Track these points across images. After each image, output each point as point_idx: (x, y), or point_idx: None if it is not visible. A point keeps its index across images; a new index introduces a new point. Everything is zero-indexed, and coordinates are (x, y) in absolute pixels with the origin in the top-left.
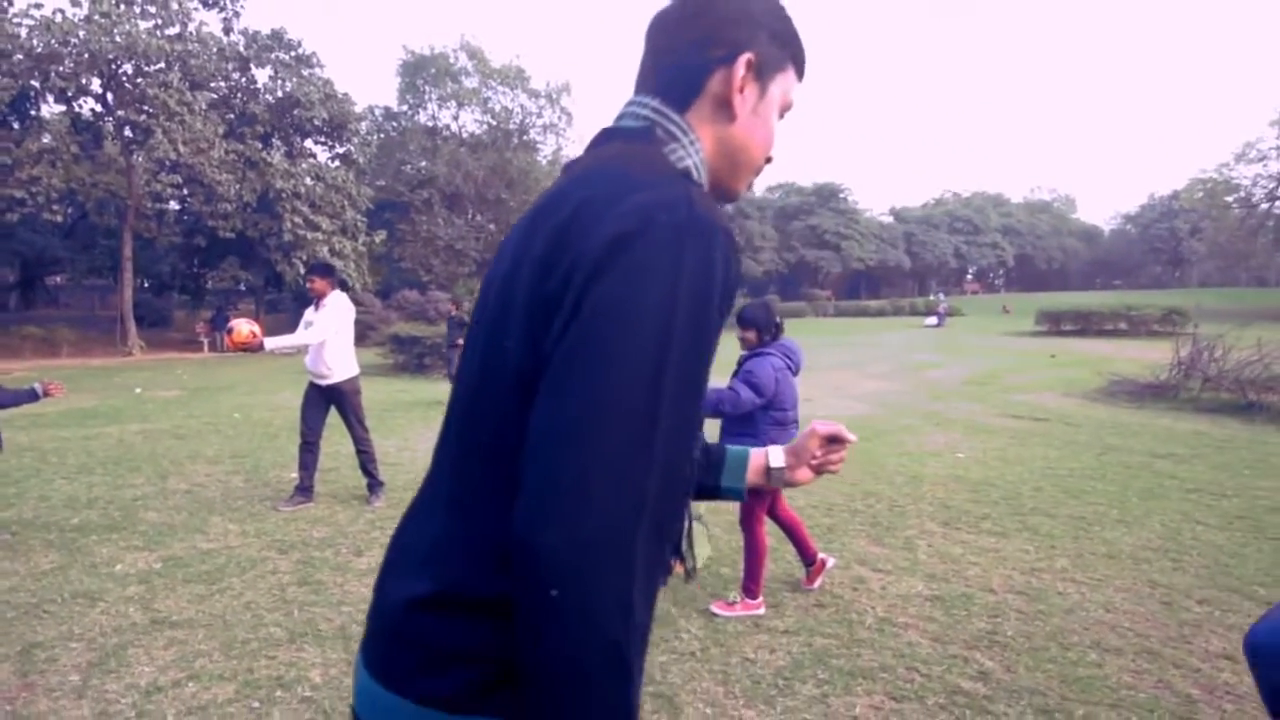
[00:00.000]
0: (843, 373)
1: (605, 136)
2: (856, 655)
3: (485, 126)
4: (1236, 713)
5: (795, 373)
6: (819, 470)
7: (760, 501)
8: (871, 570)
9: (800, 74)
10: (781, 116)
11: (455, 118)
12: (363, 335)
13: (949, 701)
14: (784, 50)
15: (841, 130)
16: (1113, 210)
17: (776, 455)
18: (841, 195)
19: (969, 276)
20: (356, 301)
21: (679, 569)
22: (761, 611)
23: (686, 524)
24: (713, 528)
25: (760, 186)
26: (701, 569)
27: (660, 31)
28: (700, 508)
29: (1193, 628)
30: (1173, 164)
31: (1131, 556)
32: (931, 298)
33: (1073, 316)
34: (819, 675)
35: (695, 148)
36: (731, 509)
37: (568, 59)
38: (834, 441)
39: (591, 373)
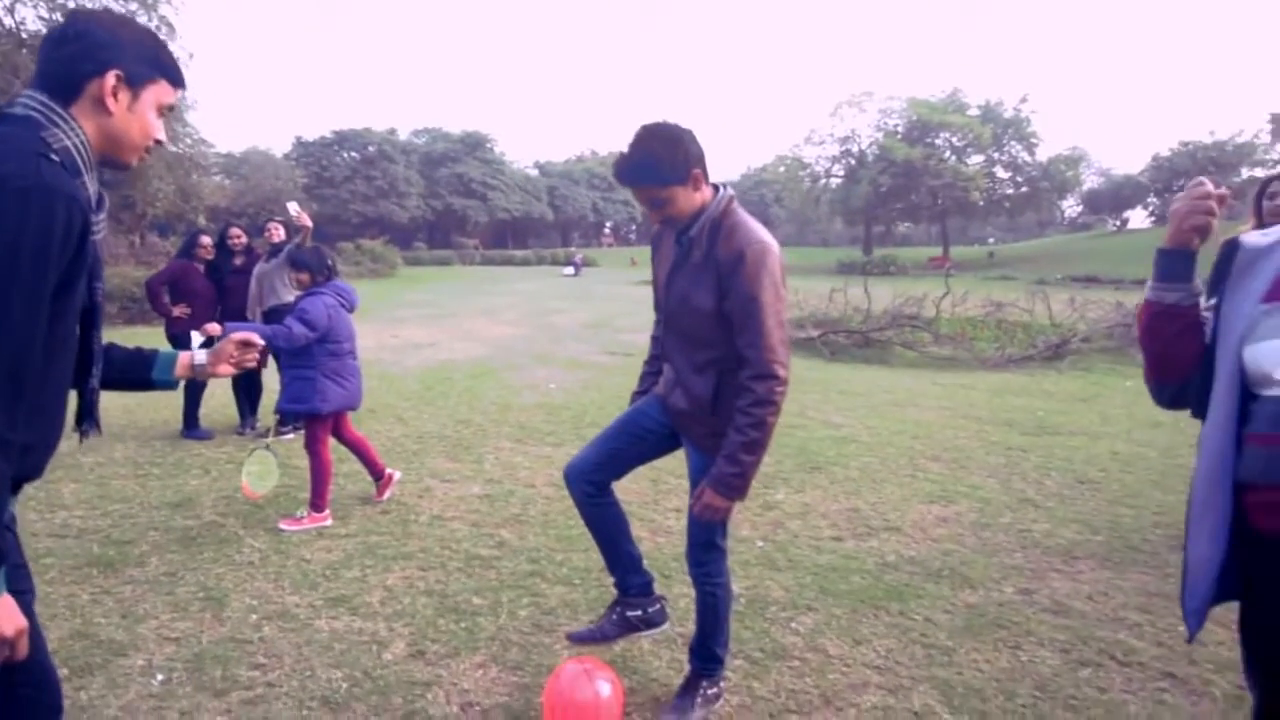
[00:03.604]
0: (475, 320)
1: None
2: (404, 544)
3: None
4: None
5: (350, 310)
6: (238, 366)
7: (323, 426)
8: (440, 481)
9: (174, 84)
10: (162, 114)
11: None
12: None
13: (465, 565)
14: (152, 68)
15: (489, 80)
16: (720, 177)
17: (200, 355)
18: (488, 145)
19: (606, 230)
20: None
21: (248, 492)
22: (328, 523)
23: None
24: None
25: (405, 130)
26: (271, 496)
27: (52, 45)
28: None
29: (664, 492)
30: (765, 141)
31: None
32: (571, 249)
33: None
34: (366, 563)
35: (76, 133)
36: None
37: None
38: (247, 345)
39: None
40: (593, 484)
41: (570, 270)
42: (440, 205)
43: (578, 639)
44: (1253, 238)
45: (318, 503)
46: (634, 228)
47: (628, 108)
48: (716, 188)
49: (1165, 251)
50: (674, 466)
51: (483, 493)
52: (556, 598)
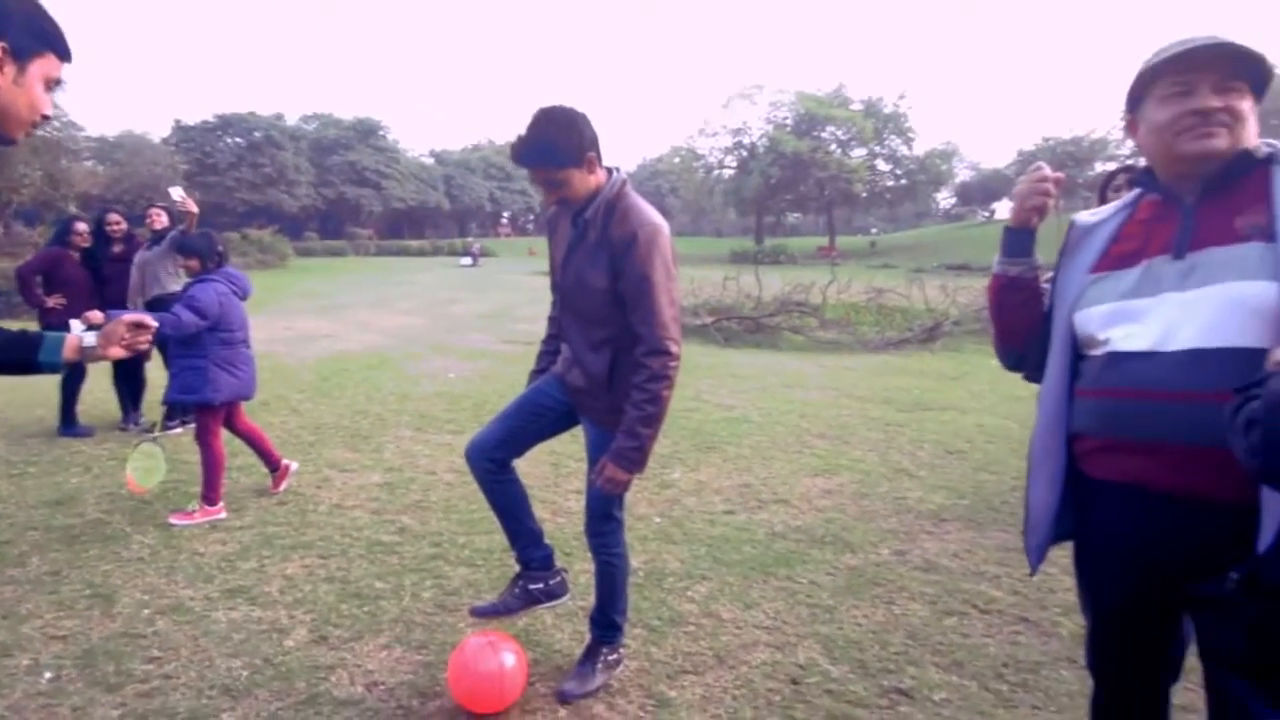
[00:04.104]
0: (371, 311)
1: None
2: (302, 534)
3: None
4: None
5: (243, 298)
6: (129, 348)
7: (215, 417)
8: (339, 471)
9: (62, 57)
10: (50, 88)
11: None
12: None
13: (367, 551)
14: (39, 40)
15: (382, 66)
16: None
17: (89, 337)
18: (381, 133)
19: (503, 220)
20: None
21: (134, 486)
22: (222, 516)
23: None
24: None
25: (294, 115)
26: (159, 491)
27: None
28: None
29: (565, 475)
30: (661, 133)
31: None
32: (469, 239)
33: None
34: (263, 553)
35: None
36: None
37: None
38: (140, 327)
39: None
40: (493, 461)
41: (468, 261)
42: (332, 194)
43: (481, 613)
44: (1084, 217)
45: (210, 495)
46: (532, 218)
47: (525, 97)
48: (610, 171)
49: (1010, 229)
50: (574, 451)
51: (383, 481)
52: (460, 579)
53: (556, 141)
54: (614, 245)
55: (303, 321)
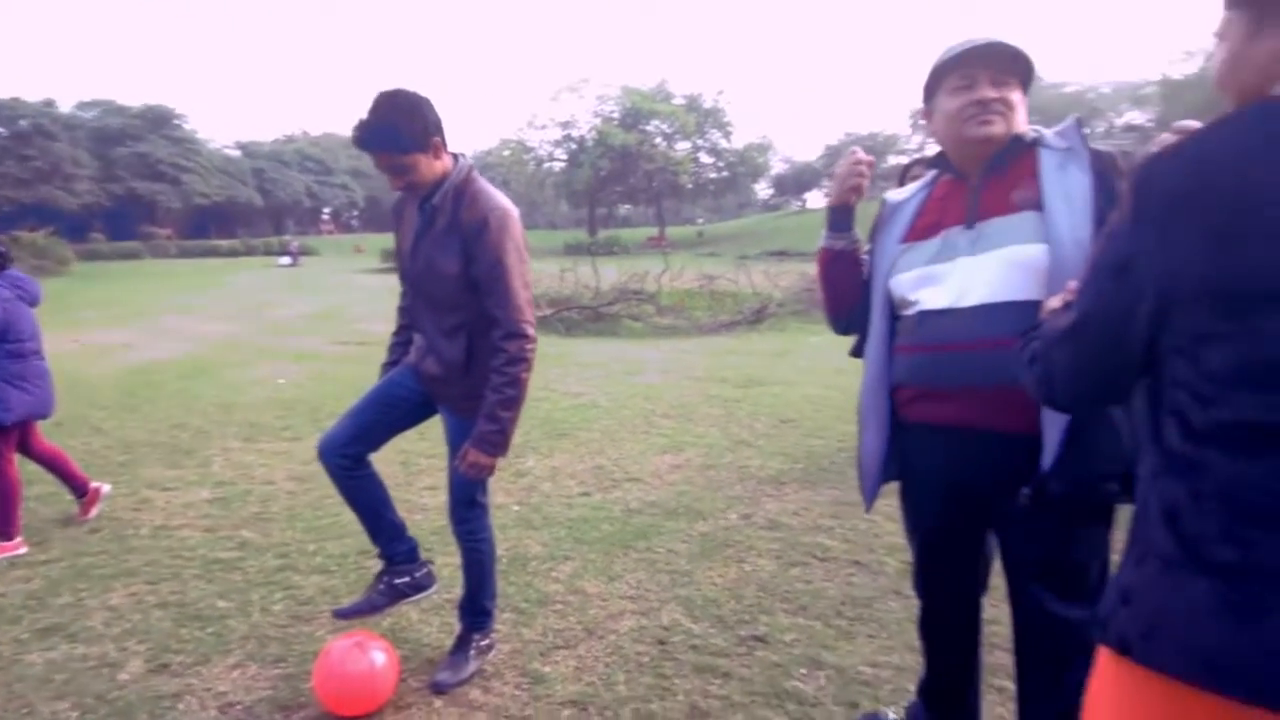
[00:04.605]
0: (179, 317)
1: None
2: (124, 561)
3: None
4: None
5: (31, 304)
6: None
7: (6, 440)
8: (160, 490)
9: None
10: None
11: None
12: None
13: (204, 571)
14: None
15: (173, 49)
16: None
17: None
18: (176, 122)
19: (324, 216)
20: None
21: None
22: (22, 551)
23: None
24: None
25: (69, 101)
26: None
27: None
28: None
29: (416, 473)
30: (489, 125)
31: None
32: (286, 237)
33: None
34: (78, 586)
35: None
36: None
37: None
38: None
39: None
40: (348, 457)
41: (286, 260)
42: (121, 190)
43: (345, 615)
44: (892, 195)
45: (6, 530)
46: (356, 213)
47: (339, 87)
48: (456, 156)
49: (832, 208)
50: (423, 448)
51: (214, 496)
52: (313, 587)
53: (401, 126)
54: (465, 230)
55: (94, 332)
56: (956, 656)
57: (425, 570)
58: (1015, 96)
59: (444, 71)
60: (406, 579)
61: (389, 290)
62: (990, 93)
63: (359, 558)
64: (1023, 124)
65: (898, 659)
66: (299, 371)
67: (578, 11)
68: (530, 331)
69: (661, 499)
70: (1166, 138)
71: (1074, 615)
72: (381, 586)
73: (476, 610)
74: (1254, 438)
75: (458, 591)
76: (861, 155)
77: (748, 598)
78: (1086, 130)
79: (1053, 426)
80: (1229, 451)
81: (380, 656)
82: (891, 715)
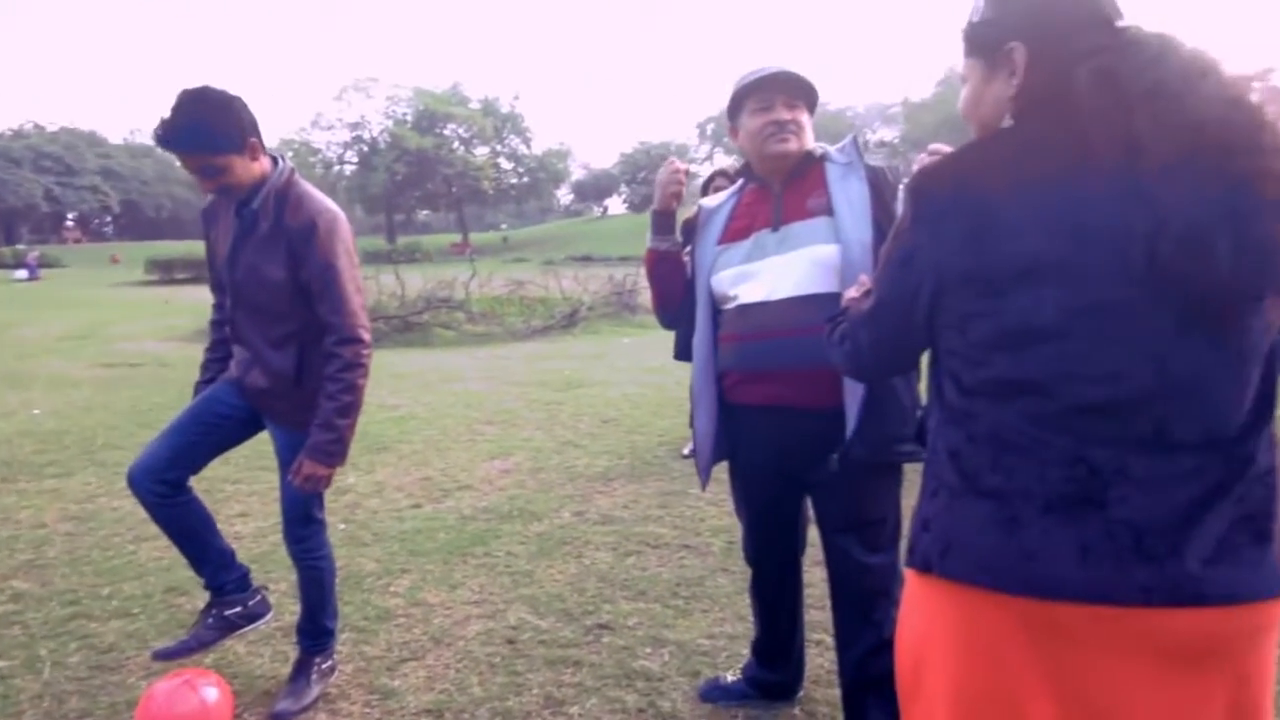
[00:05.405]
0: None
1: None
2: None
3: None
4: None
5: None
6: None
7: None
8: None
9: None
10: None
11: None
12: None
13: None
14: None
15: None
16: None
17: None
18: None
19: (69, 223)
20: None
21: None
22: None
23: None
24: None
25: None
26: None
27: None
28: None
29: (223, 500)
30: (266, 124)
31: None
32: (21, 246)
33: (184, 264)
34: None
35: None
36: None
37: None
38: None
39: None
40: (166, 483)
41: (23, 274)
42: None
43: (167, 655)
44: (708, 201)
45: None
46: (109, 219)
47: (79, 77)
48: (276, 158)
49: (656, 213)
50: (227, 473)
51: None
52: (114, 633)
53: (215, 126)
54: (291, 235)
55: None
56: (784, 614)
57: (259, 598)
58: (805, 118)
59: (210, 62)
60: (238, 609)
61: (159, 304)
62: (785, 114)
63: (166, 596)
64: (811, 141)
65: (730, 628)
66: (60, 400)
67: (361, 7)
68: (366, 336)
69: (495, 504)
70: (924, 157)
71: (875, 562)
72: (210, 620)
73: (318, 632)
74: (1008, 389)
75: (288, 618)
76: (679, 164)
77: (589, 589)
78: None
79: (853, 400)
80: (992, 401)
81: (213, 692)
82: (730, 678)
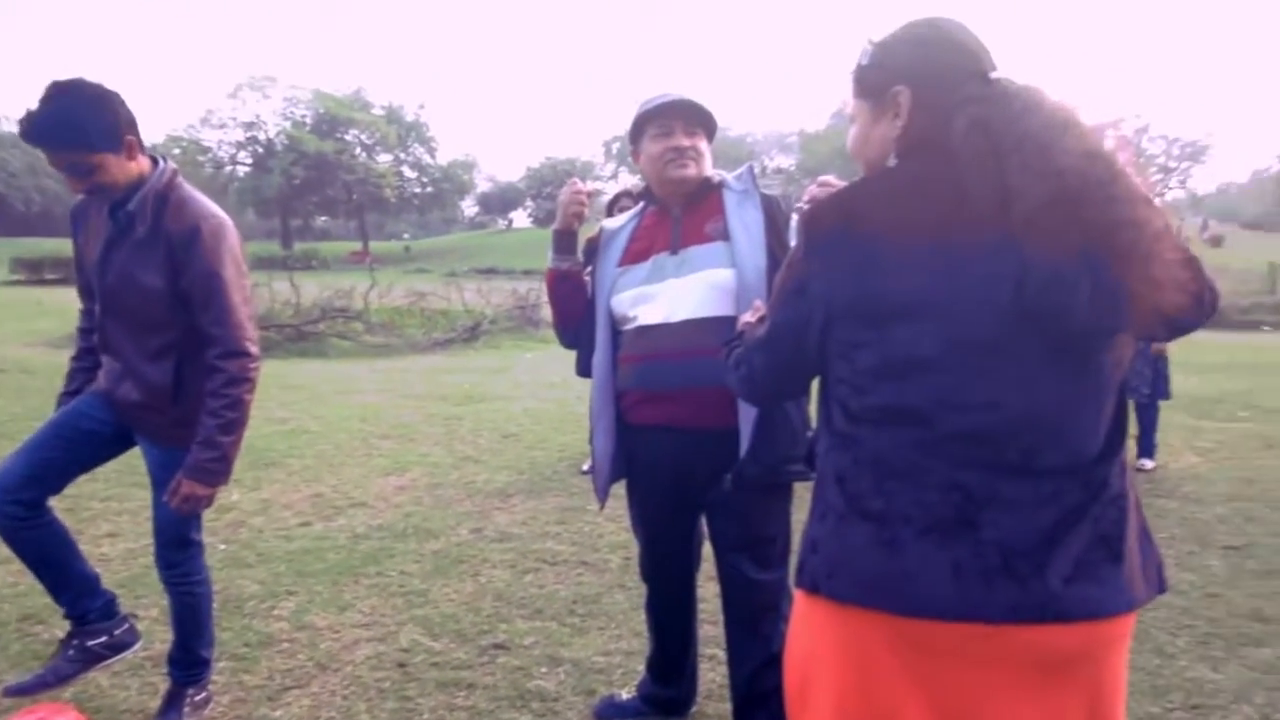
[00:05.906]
0: None
1: None
2: None
3: None
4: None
5: None
6: None
7: None
8: None
9: None
10: None
11: None
12: None
13: None
14: None
15: None
16: None
17: None
18: None
19: None
20: None
21: None
22: None
23: None
24: None
25: None
26: None
27: None
28: None
29: (88, 520)
30: (149, 119)
31: None
32: None
33: (54, 264)
34: None
35: None
36: None
37: None
38: None
39: None
40: (22, 504)
41: None
42: None
43: (21, 690)
44: (609, 223)
45: None
46: None
47: None
48: (156, 159)
49: (557, 231)
50: (95, 489)
51: None
52: None
53: (87, 121)
54: (172, 240)
55: None
56: (678, 631)
57: (126, 626)
58: (703, 145)
59: (90, 49)
60: (103, 639)
61: (26, 305)
62: (684, 141)
63: (21, 624)
64: (709, 168)
65: (626, 645)
66: None
67: (259, 2)
68: (253, 349)
69: (389, 521)
70: (814, 188)
71: (766, 579)
72: (71, 652)
73: (192, 661)
74: (890, 417)
75: (159, 646)
76: (581, 185)
77: (485, 609)
78: (757, 174)
79: (746, 421)
80: (876, 427)
81: None
82: (625, 695)
